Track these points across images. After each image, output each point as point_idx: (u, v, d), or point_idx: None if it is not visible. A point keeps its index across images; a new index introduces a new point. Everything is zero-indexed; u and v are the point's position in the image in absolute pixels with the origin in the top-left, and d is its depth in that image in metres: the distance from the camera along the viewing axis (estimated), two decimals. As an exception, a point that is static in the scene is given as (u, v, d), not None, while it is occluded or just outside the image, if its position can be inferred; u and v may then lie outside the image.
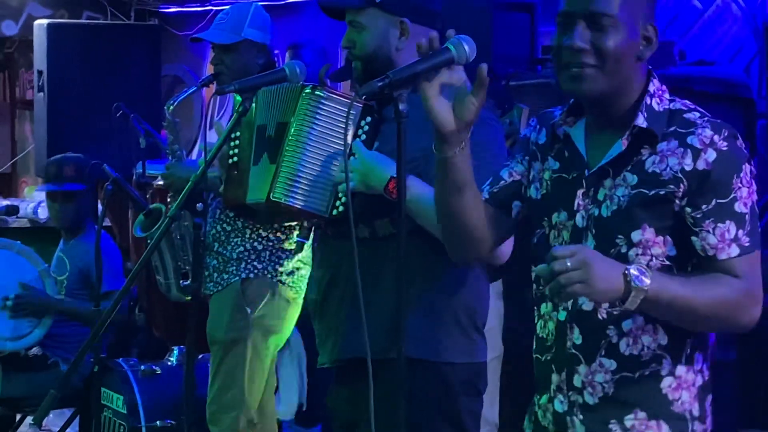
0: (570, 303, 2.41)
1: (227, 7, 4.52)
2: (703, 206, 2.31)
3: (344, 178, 2.83)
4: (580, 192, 2.42)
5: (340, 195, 3.05)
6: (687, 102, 2.41)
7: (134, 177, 6.14)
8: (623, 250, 2.35)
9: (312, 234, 4.18)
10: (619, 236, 2.35)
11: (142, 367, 5.06)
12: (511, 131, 4.34)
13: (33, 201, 8.43)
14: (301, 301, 4.36)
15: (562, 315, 2.43)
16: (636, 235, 2.34)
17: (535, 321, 2.52)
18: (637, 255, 2.34)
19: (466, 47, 2.39)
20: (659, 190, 2.32)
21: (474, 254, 2.62)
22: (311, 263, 4.34)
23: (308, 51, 5.89)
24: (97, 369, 4.70)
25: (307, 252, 4.31)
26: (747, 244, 2.33)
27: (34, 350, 5.36)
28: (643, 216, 2.34)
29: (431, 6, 3.15)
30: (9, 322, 5.17)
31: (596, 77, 2.34)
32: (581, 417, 2.42)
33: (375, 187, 2.97)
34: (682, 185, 2.31)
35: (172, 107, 4.36)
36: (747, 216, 2.33)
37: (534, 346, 2.53)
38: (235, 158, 3.31)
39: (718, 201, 2.31)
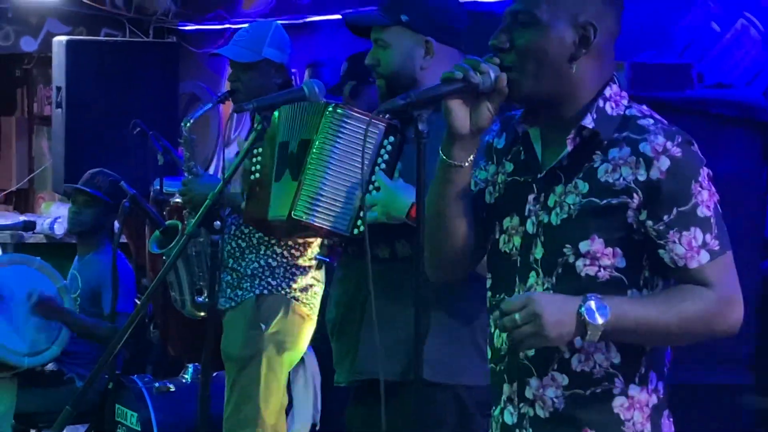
0: None
1: (245, 25, 4.53)
2: (665, 217, 2.24)
3: (365, 202, 2.81)
4: (531, 197, 2.37)
5: (361, 214, 3.05)
6: (644, 108, 2.34)
7: (151, 194, 6.15)
8: (570, 260, 2.29)
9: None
10: (567, 245, 2.29)
11: (157, 384, 5.06)
12: None
13: (49, 216, 8.44)
14: (315, 318, 4.36)
15: None
16: (584, 246, 2.28)
17: (491, 330, 2.45)
18: (584, 265, 2.28)
19: (492, 74, 2.38)
20: (611, 200, 2.26)
21: (458, 269, 2.52)
22: (324, 281, 4.35)
23: (327, 70, 5.90)
24: (111, 386, 4.70)
25: (321, 270, 4.31)
26: (717, 248, 2.26)
27: (50, 366, 5.36)
28: (592, 226, 2.27)
29: (456, 25, 3.16)
30: (27, 338, 5.17)
31: (518, 78, 2.31)
32: (530, 430, 2.36)
33: (397, 217, 2.96)
34: (636, 196, 2.24)
35: (188, 124, 4.37)
36: (712, 219, 2.26)
37: (488, 355, 2.47)
38: (258, 174, 3.31)
39: (679, 209, 2.24)
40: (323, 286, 4.37)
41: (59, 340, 5.24)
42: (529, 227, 2.36)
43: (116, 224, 5.67)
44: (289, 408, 4.64)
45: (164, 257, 4.61)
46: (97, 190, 5.50)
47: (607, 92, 2.33)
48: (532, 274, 2.35)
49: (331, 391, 4.76)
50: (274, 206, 3.21)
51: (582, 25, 2.29)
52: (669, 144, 2.24)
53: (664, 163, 2.24)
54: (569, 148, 2.30)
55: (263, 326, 4.25)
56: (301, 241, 4.23)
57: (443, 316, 3.05)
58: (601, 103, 2.32)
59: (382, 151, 3.04)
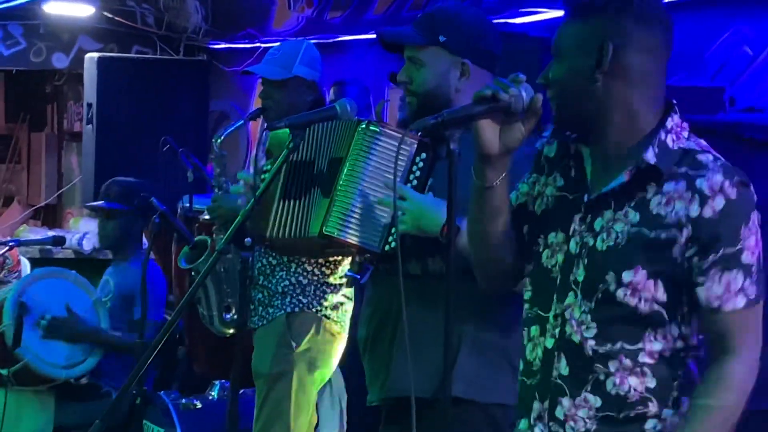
0: (557, 331, 2.37)
1: (276, 44, 4.55)
2: (711, 256, 2.25)
3: (396, 217, 2.82)
4: (577, 216, 2.38)
5: (392, 231, 3.04)
6: (702, 142, 2.35)
7: (179, 211, 6.17)
8: (612, 288, 2.30)
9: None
10: (611, 273, 2.30)
11: (183, 401, 5.07)
12: None
13: (78, 232, 8.49)
14: (345, 336, 4.36)
15: (550, 342, 2.39)
16: (627, 276, 2.29)
17: (524, 342, 2.47)
18: (625, 295, 2.29)
19: (524, 94, 2.38)
20: (660, 233, 2.27)
21: (504, 284, 2.57)
22: (354, 298, 4.34)
23: (353, 89, 5.91)
24: (139, 401, 4.71)
25: (351, 288, 4.31)
26: (753, 296, 2.27)
27: (87, 379, 5.39)
28: (638, 257, 2.28)
29: (493, 49, 3.15)
30: (63, 351, 5.20)
31: (557, 108, 2.35)
32: None
33: (429, 231, 2.96)
34: (685, 230, 2.25)
35: (220, 140, 4.38)
36: (753, 267, 2.27)
37: (521, 368, 2.48)
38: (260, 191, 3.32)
39: (726, 250, 2.24)
40: (353, 304, 4.37)
41: (95, 352, 5.26)
42: (573, 247, 2.37)
43: (145, 241, 5.71)
44: (315, 427, 4.63)
45: (192, 272, 4.63)
46: (111, 201, 5.54)
47: (669, 124, 2.33)
48: (571, 294, 2.36)
49: (357, 410, 4.76)
50: (299, 224, 3.21)
51: (599, 46, 2.30)
52: (726, 184, 2.25)
53: (719, 202, 2.25)
54: (626, 178, 2.30)
55: (294, 344, 4.25)
56: (332, 258, 4.23)
57: (476, 333, 3.04)
58: (662, 135, 2.32)
59: (414, 167, 3.04)
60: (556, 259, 2.40)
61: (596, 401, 2.33)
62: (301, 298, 4.26)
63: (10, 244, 5.90)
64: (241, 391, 4.69)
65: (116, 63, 7.87)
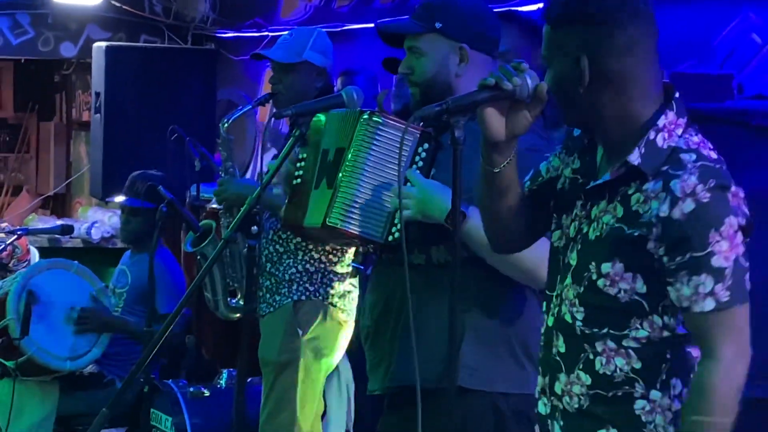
0: (556, 310, 2.44)
1: (283, 33, 4.54)
2: (678, 258, 2.25)
3: (401, 206, 2.82)
4: (579, 202, 2.43)
5: (395, 221, 3.04)
6: (694, 139, 2.33)
7: (187, 199, 6.17)
8: (593, 277, 2.35)
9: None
10: (592, 263, 2.35)
11: (191, 389, 5.08)
12: None
13: (87, 221, 8.50)
14: (352, 324, 4.36)
15: (551, 320, 2.47)
16: (605, 267, 2.33)
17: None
18: (605, 285, 2.33)
19: (530, 82, 2.38)
20: (635, 231, 2.29)
21: (516, 247, 2.67)
22: (359, 288, 4.35)
23: (361, 78, 5.90)
24: (147, 389, 4.72)
25: (356, 277, 4.31)
26: (725, 299, 2.25)
27: (91, 368, 5.40)
28: (616, 250, 2.31)
29: (490, 33, 3.15)
30: (67, 342, 5.21)
31: (560, 109, 2.39)
32: (561, 422, 2.45)
33: (434, 217, 2.95)
34: (655, 230, 2.26)
35: (226, 124, 4.38)
36: (727, 270, 2.24)
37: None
38: (299, 180, 3.32)
39: (693, 254, 2.23)
40: (359, 293, 4.37)
41: (99, 343, 5.27)
42: (572, 231, 2.43)
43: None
44: (323, 414, 4.64)
45: (198, 257, 4.63)
46: (138, 198, 5.55)
47: (661, 122, 2.33)
48: (568, 276, 2.42)
49: (364, 399, 4.76)
50: (310, 213, 3.21)
51: (575, 59, 2.31)
52: (699, 187, 2.23)
53: (689, 205, 2.23)
54: (611, 177, 2.33)
55: (301, 332, 4.25)
56: (338, 246, 4.23)
57: (479, 322, 3.04)
58: (652, 134, 2.32)
59: (417, 158, 3.04)
60: (562, 240, 2.46)
61: (587, 379, 2.39)
62: (308, 285, 4.27)
63: (19, 233, 5.92)
64: (249, 379, 4.70)
65: (124, 52, 7.87)
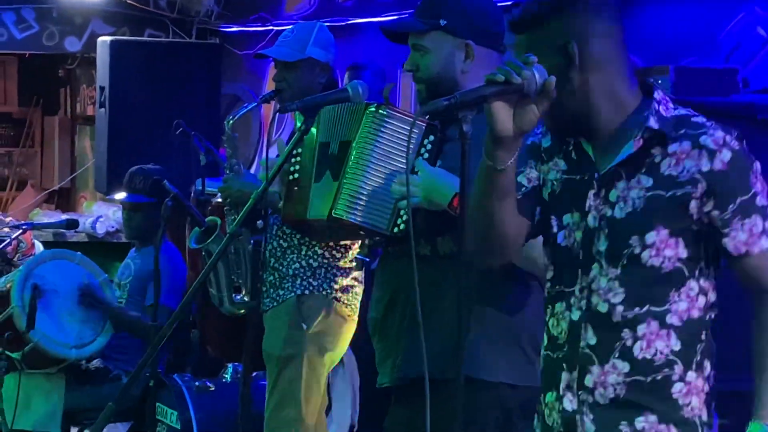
0: (584, 303, 2.45)
1: (289, 27, 4.54)
2: (729, 206, 2.37)
3: (408, 196, 2.82)
4: (591, 193, 2.46)
5: (401, 213, 3.04)
6: (689, 109, 2.47)
7: (192, 194, 6.17)
8: (636, 251, 2.40)
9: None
10: (633, 237, 2.40)
11: (197, 384, 5.08)
12: None
13: (91, 216, 8.51)
14: (356, 319, 4.37)
15: (576, 315, 2.47)
16: (650, 237, 2.39)
17: (546, 319, 2.56)
18: (650, 256, 2.39)
19: (537, 76, 2.38)
20: (675, 191, 2.38)
21: (501, 258, 2.63)
22: (364, 282, 4.35)
23: (368, 72, 5.91)
24: (152, 384, 4.72)
25: (361, 271, 4.31)
26: None
27: (97, 363, 5.41)
28: (658, 217, 2.39)
29: (495, 28, 3.14)
30: (73, 331, 5.22)
31: (548, 115, 2.42)
32: (591, 416, 2.45)
33: (438, 203, 2.96)
34: (700, 185, 2.37)
35: (231, 122, 4.38)
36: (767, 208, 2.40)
37: (545, 343, 2.57)
38: (296, 175, 3.32)
39: (742, 198, 2.37)
40: (363, 287, 4.38)
41: (105, 332, 5.28)
42: (591, 221, 2.46)
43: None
44: (328, 409, 4.65)
45: (204, 253, 4.64)
46: (139, 193, 5.55)
47: (657, 96, 2.45)
48: (595, 265, 2.45)
49: (369, 392, 4.77)
50: (314, 206, 3.21)
51: (563, 46, 2.40)
52: (728, 138, 2.38)
53: (726, 155, 2.37)
54: (634, 148, 2.41)
55: (304, 326, 4.26)
56: (342, 242, 4.24)
57: (485, 315, 3.04)
58: (656, 105, 2.43)
59: (422, 150, 3.05)
60: (575, 237, 2.49)
61: (624, 366, 2.42)
62: (311, 280, 4.27)
63: (24, 227, 5.92)
64: (254, 373, 4.70)
65: (129, 46, 7.87)
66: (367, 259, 4.20)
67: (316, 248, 4.27)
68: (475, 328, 3.02)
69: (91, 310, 5.28)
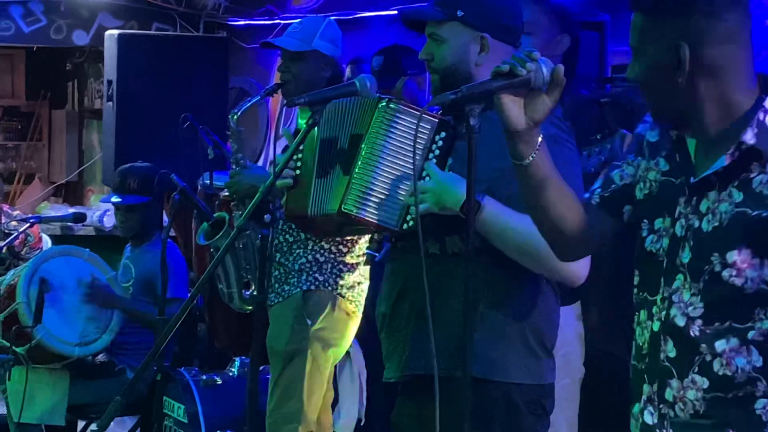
0: (663, 314, 2.36)
1: (296, 21, 4.54)
2: None
3: (417, 196, 2.81)
4: (682, 199, 2.36)
5: (410, 209, 3.03)
6: None
7: (200, 188, 6.17)
8: (717, 269, 2.29)
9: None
10: (715, 254, 2.29)
11: (204, 377, 5.08)
12: (611, 157, 4.28)
13: (99, 209, 8.53)
14: (360, 315, 4.36)
15: (656, 325, 2.38)
16: (731, 256, 2.27)
17: (635, 326, 2.46)
18: (731, 276, 2.28)
19: (544, 68, 2.37)
20: (762, 212, 2.25)
21: (576, 253, 2.60)
22: (370, 277, 4.34)
23: (369, 66, 5.91)
24: (159, 377, 4.72)
25: (367, 267, 4.30)
26: None
27: (101, 357, 5.41)
28: (742, 236, 2.26)
29: (512, 22, 3.13)
30: (77, 328, 5.22)
31: (648, 102, 2.35)
32: (671, 431, 2.37)
33: (450, 208, 2.95)
34: None
35: (236, 116, 4.37)
36: None
37: (633, 353, 2.47)
38: (298, 171, 3.32)
39: None
40: (370, 283, 4.37)
41: (109, 330, 5.28)
42: (678, 230, 2.36)
43: (165, 218, 5.72)
44: (334, 403, 4.64)
45: (211, 249, 4.63)
46: (131, 194, 5.53)
47: (767, 103, 2.29)
48: (679, 276, 2.35)
49: (376, 386, 4.76)
50: (321, 201, 3.21)
51: (675, 47, 2.26)
52: None
53: None
54: (726, 161, 2.28)
55: (309, 322, 4.25)
56: (348, 237, 4.23)
57: (493, 312, 3.03)
58: (761, 115, 2.28)
59: (434, 146, 3.03)
60: (662, 243, 2.39)
61: (704, 382, 2.32)
62: (317, 276, 4.27)
63: (32, 221, 5.92)
64: (261, 367, 4.70)
65: (136, 40, 7.87)
66: (376, 254, 4.19)
67: (323, 243, 4.27)
68: (482, 325, 3.00)
69: (100, 307, 5.27)
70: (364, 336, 4.51)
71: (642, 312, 2.43)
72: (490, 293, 3.02)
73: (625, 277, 2.66)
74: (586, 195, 2.56)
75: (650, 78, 2.32)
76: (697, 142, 2.37)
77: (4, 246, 6.07)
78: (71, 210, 7.83)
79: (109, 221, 8.21)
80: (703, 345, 2.31)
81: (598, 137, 4.19)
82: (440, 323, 2.88)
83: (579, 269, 2.91)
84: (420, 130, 2.99)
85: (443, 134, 3.03)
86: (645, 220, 2.43)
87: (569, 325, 3.22)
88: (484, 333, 2.99)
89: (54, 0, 8.73)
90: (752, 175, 2.27)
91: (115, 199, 5.61)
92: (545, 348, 3.11)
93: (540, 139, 2.42)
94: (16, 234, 6.17)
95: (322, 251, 4.27)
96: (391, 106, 3.07)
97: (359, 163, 3.07)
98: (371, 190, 3.05)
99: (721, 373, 2.30)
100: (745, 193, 2.27)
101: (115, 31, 7.87)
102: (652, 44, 2.30)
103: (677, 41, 2.26)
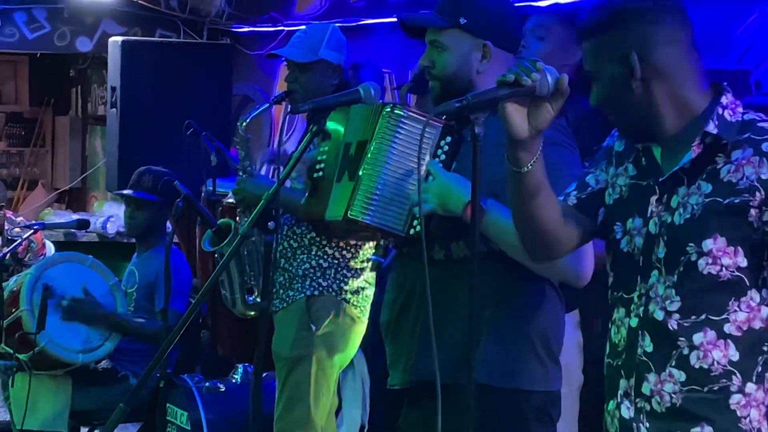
0: (641, 310, 2.44)
1: (300, 27, 4.54)
2: None
3: (421, 200, 2.82)
4: (653, 198, 2.45)
5: (416, 214, 3.03)
6: (761, 114, 2.43)
7: (203, 194, 6.17)
8: (693, 258, 2.37)
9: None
10: (690, 244, 2.38)
11: (207, 384, 5.08)
12: None
13: (102, 216, 8.52)
14: (365, 321, 4.36)
15: (634, 321, 2.46)
16: (707, 244, 2.36)
17: (609, 326, 2.54)
18: (706, 264, 2.36)
19: (549, 77, 2.38)
20: (733, 199, 2.34)
21: (553, 254, 2.65)
22: (375, 283, 4.34)
23: (367, 71, 5.91)
24: (163, 384, 4.72)
25: (372, 273, 4.30)
26: None
27: (104, 364, 5.40)
28: (715, 225, 2.36)
29: (514, 31, 3.14)
30: (81, 335, 5.22)
31: (613, 122, 2.49)
32: (647, 425, 2.44)
33: (453, 210, 2.95)
34: (758, 194, 2.33)
35: (245, 123, 4.38)
36: None
37: (606, 351, 2.55)
38: (321, 173, 3.31)
39: None
40: (374, 289, 4.37)
41: (113, 337, 5.27)
42: (652, 228, 2.45)
43: (168, 225, 5.71)
44: (337, 410, 4.64)
45: (216, 255, 4.63)
46: (145, 191, 5.55)
47: (724, 100, 2.42)
48: (654, 272, 2.43)
49: (379, 393, 4.76)
50: (331, 206, 3.21)
51: (625, 56, 2.39)
52: None
53: None
54: (693, 154, 2.38)
55: (314, 327, 4.25)
56: (352, 242, 4.23)
57: (499, 319, 3.03)
58: (719, 110, 2.39)
59: (439, 151, 3.03)
60: (635, 242, 2.47)
61: (681, 375, 2.39)
62: (321, 281, 4.27)
63: (35, 227, 5.92)
64: (265, 374, 4.69)
65: (140, 47, 7.88)
66: (382, 260, 4.19)
67: (326, 249, 4.27)
68: (488, 332, 3.00)
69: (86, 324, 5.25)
70: (367, 343, 4.51)
71: (617, 310, 2.51)
72: (497, 299, 3.02)
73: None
74: (560, 197, 2.62)
75: (610, 95, 2.43)
76: (662, 148, 2.47)
77: (7, 252, 6.06)
78: (74, 216, 7.81)
79: (113, 228, 8.21)
80: (682, 338, 2.38)
81: (597, 148, 4.20)
82: (447, 330, 2.88)
83: (584, 269, 2.91)
84: (425, 135, 2.99)
85: (448, 139, 3.03)
86: (618, 223, 2.52)
87: (568, 333, 3.23)
88: (490, 339, 2.99)
89: (58, 7, 8.74)
90: (718, 166, 2.37)
91: (127, 191, 5.63)
92: (552, 354, 3.10)
93: (540, 149, 2.46)
94: (19, 240, 6.17)
95: (325, 257, 4.28)
96: (396, 111, 3.07)
97: (365, 168, 3.07)
98: (377, 195, 3.05)
99: (697, 366, 2.38)
100: (713, 183, 2.37)
101: (119, 38, 7.88)
102: (605, 62, 2.41)
103: (625, 50, 2.39)
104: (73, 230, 7.69)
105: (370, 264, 4.29)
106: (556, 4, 5.40)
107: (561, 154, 2.69)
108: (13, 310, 5.13)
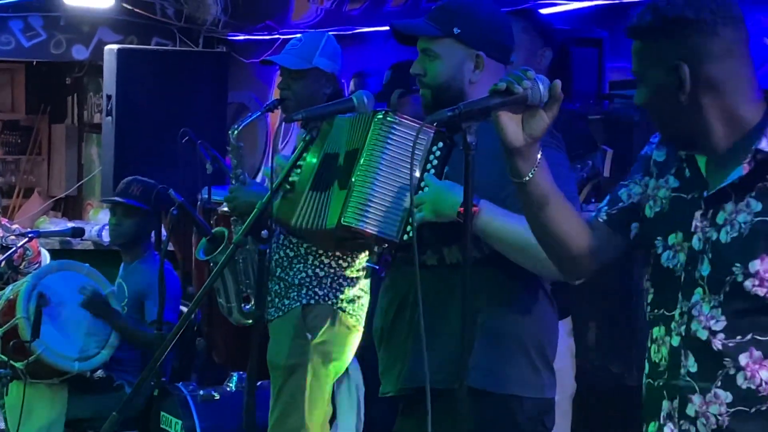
0: (683, 329, 2.36)
1: (296, 36, 4.55)
2: None
3: (414, 207, 2.82)
4: (698, 213, 2.36)
5: (410, 220, 3.03)
6: None
7: (199, 202, 6.17)
8: (739, 279, 2.29)
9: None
10: (737, 264, 2.29)
11: (201, 392, 5.08)
12: (593, 174, 4.28)
13: (98, 224, 8.52)
14: (361, 330, 4.36)
15: (676, 340, 2.38)
16: (753, 265, 2.27)
17: (649, 344, 2.45)
18: (753, 285, 2.28)
19: (541, 85, 2.38)
20: None
21: (582, 270, 2.57)
22: (369, 291, 4.34)
23: (373, 80, 5.91)
24: (157, 393, 4.72)
25: (367, 281, 4.30)
26: None
27: (100, 373, 5.40)
28: (763, 246, 2.27)
29: (506, 42, 3.14)
30: (77, 343, 5.22)
31: (657, 126, 2.39)
32: None
33: (447, 214, 2.95)
34: None
35: (236, 132, 4.37)
36: None
37: (646, 371, 2.47)
38: (296, 178, 3.32)
39: None
40: (369, 298, 4.37)
41: (108, 345, 5.27)
42: (696, 244, 2.36)
43: (164, 232, 5.71)
44: (332, 419, 4.64)
45: (211, 264, 4.63)
46: (133, 199, 5.53)
47: None
48: (698, 290, 2.35)
49: (374, 402, 4.76)
50: (313, 216, 3.21)
51: (674, 68, 2.29)
52: None
53: None
54: (744, 171, 2.29)
55: (309, 336, 4.25)
56: (349, 251, 4.23)
57: (492, 324, 3.02)
58: None
59: (431, 156, 3.04)
60: (678, 258, 2.39)
61: (727, 396, 2.32)
62: (317, 290, 4.27)
63: (30, 235, 5.92)
64: (259, 382, 4.69)
65: (136, 55, 7.89)
66: (377, 267, 4.19)
67: (323, 257, 4.27)
68: (482, 337, 3.00)
69: (96, 319, 5.27)
70: (361, 351, 4.51)
71: (657, 328, 2.43)
72: (490, 304, 3.01)
73: (621, 294, 2.67)
74: (593, 213, 2.56)
75: (655, 101, 2.35)
76: (707, 158, 2.38)
77: (2, 260, 6.07)
78: (70, 224, 7.81)
79: (108, 236, 8.20)
80: (727, 358, 2.31)
81: (581, 152, 4.21)
82: (440, 335, 2.88)
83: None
84: (417, 141, 3.00)
85: (440, 145, 3.04)
86: (659, 238, 2.43)
87: (561, 340, 3.22)
88: (484, 344, 2.99)
89: (54, 15, 8.75)
90: None
91: (117, 198, 5.61)
92: (546, 360, 3.09)
93: (539, 156, 2.43)
94: (14, 248, 6.17)
95: (321, 266, 4.28)
96: (388, 118, 3.08)
97: (357, 175, 3.08)
98: (370, 201, 3.05)
99: (744, 386, 2.30)
100: (763, 202, 2.28)
101: (115, 46, 7.89)
102: (652, 68, 2.33)
103: (676, 62, 2.29)
104: (68, 238, 7.68)
105: (365, 272, 4.29)
106: (555, 14, 5.42)
107: (546, 154, 2.69)
108: (9, 318, 5.13)
